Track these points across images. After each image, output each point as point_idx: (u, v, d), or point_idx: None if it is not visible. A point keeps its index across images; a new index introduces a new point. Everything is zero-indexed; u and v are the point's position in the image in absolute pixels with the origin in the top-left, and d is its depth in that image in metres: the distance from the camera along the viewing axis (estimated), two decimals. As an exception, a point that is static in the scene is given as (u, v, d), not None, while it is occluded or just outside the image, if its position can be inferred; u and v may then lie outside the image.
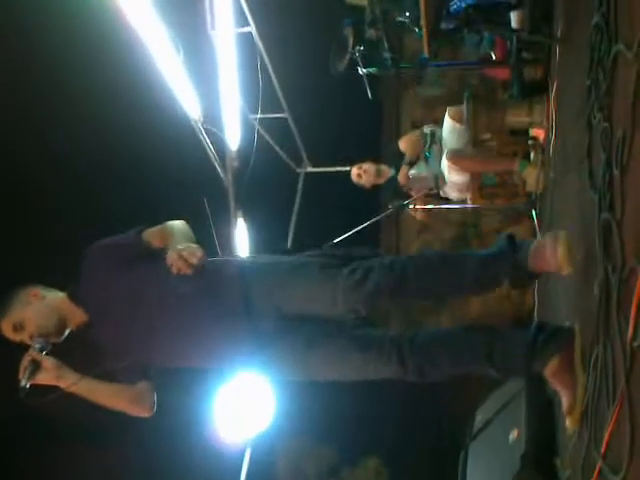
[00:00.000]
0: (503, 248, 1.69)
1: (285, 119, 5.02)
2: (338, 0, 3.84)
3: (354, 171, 4.27)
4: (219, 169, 3.98)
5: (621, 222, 1.30)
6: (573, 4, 2.36)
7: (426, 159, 3.97)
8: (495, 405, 2.71)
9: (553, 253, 1.58)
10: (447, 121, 3.86)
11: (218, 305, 1.83)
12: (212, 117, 3.63)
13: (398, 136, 4.77)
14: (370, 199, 4.81)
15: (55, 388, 1.84)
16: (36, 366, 1.80)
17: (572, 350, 1.60)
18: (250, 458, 4.82)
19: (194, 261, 1.75)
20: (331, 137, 6.01)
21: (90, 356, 1.93)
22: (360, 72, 3.57)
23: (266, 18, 4.02)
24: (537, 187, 3.54)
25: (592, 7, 1.68)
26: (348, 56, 3.51)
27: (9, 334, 1.91)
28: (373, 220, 3.80)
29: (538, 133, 3.52)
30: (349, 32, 3.50)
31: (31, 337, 1.88)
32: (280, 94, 4.76)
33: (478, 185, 3.90)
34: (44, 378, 1.82)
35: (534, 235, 4.04)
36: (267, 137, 4.88)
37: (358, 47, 3.47)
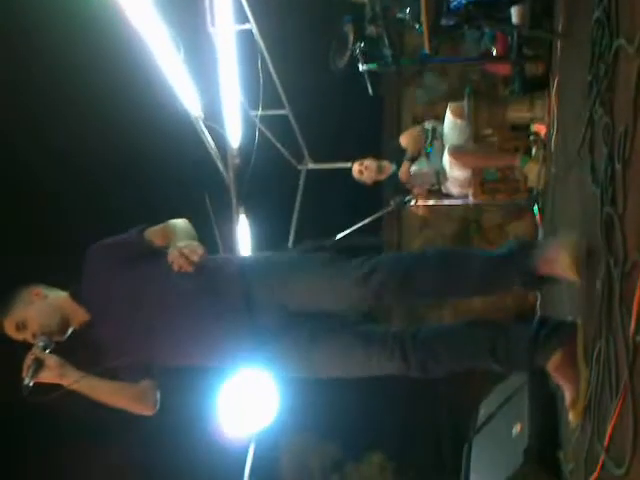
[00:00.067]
0: (513, 249, 1.67)
1: (286, 116, 5.02)
2: (338, -4, 3.84)
3: (355, 167, 4.27)
4: (220, 166, 3.98)
5: (623, 216, 1.31)
6: (574, -1, 2.36)
7: (427, 155, 3.97)
8: (498, 399, 2.71)
9: (562, 260, 1.55)
10: (448, 117, 3.86)
11: (219, 303, 1.83)
12: (213, 114, 3.63)
13: (399, 132, 4.77)
14: (371, 195, 4.81)
15: (58, 386, 1.84)
16: (39, 364, 1.81)
17: (575, 344, 1.61)
18: (254, 454, 4.83)
19: (195, 258, 1.75)
20: (332, 134, 6.01)
21: (92, 355, 1.94)
22: (361, 69, 3.57)
23: (266, 15, 4.02)
24: (538, 182, 3.54)
25: (593, 2, 1.68)
26: (348, 53, 3.50)
27: (12, 333, 1.92)
28: (375, 216, 3.79)
29: (539, 128, 3.52)
30: (349, 29, 3.50)
31: (34, 336, 1.89)
32: (281, 91, 4.76)
33: (479, 181, 3.90)
34: (47, 376, 1.83)
35: (536, 230, 4.05)
36: (268, 134, 4.88)
37: (358, 44, 3.47)
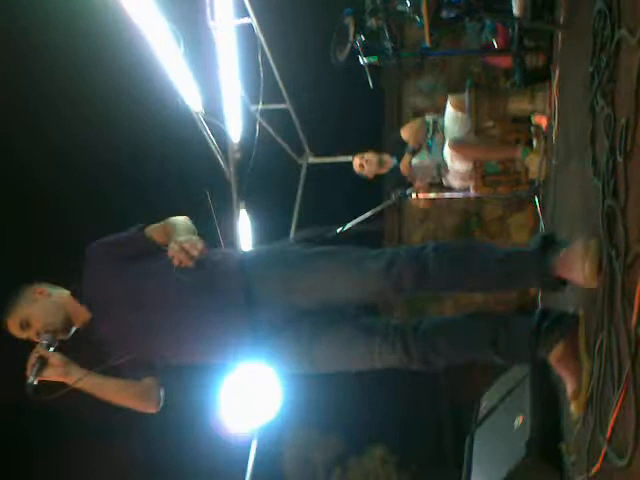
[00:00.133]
0: (533, 248, 1.65)
1: (286, 110, 5.02)
2: (338, -11, 3.82)
3: (356, 161, 4.26)
4: (221, 161, 3.97)
5: (625, 208, 1.31)
6: (575, -10, 2.35)
7: (429, 148, 3.96)
8: (500, 391, 2.72)
9: (581, 267, 1.50)
10: (449, 109, 3.85)
11: (219, 298, 1.83)
12: (213, 109, 3.62)
13: (400, 125, 4.76)
14: (372, 189, 4.81)
15: (62, 384, 1.85)
16: (43, 363, 1.82)
17: (577, 336, 1.61)
18: (257, 449, 4.84)
19: (195, 253, 1.75)
20: (333, 127, 6.00)
21: (95, 353, 1.94)
22: (361, 62, 3.56)
23: (266, 9, 4.00)
24: (540, 174, 3.53)
25: (594, -7, 1.67)
26: (349, 46, 3.49)
27: (16, 331, 1.92)
28: (376, 210, 3.79)
29: (541, 120, 3.51)
30: (350, 22, 3.48)
31: (37, 334, 1.89)
32: (281, 85, 4.75)
33: (481, 173, 3.89)
34: (51, 374, 1.83)
35: (537, 222, 4.04)
36: (269, 128, 4.88)
37: (359, 37, 3.46)
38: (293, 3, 5.11)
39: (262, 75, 3.70)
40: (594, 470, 1.37)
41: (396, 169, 4.14)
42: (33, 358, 1.82)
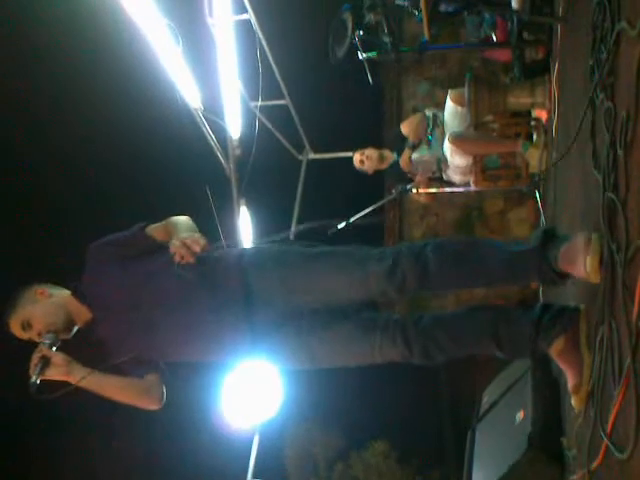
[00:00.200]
0: (534, 243, 1.63)
1: (286, 106, 5.01)
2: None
3: (356, 157, 4.25)
4: (221, 158, 3.97)
5: (625, 201, 1.30)
6: (574, -17, 2.34)
7: (429, 142, 3.95)
8: (501, 386, 2.72)
9: (583, 261, 1.48)
10: (449, 104, 3.84)
11: (218, 295, 1.83)
12: (213, 106, 3.62)
13: (400, 120, 4.75)
14: (373, 184, 4.80)
15: (65, 383, 1.85)
16: (46, 362, 1.82)
17: (578, 330, 1.61)
18: (259, 444, 4.85)
19: (197, 249, 1.75)
20: (332, 123, 6.00)
21: (97, 352, 1.95)
22: (360, 57, 3.55)
23: (264, 5, 3.99)
24: (540, 168, 3.53)
25: (593, -15, 1.66)
26: (348, 41, 3.48)
27: (18, 332, 1.93)
28: (376, 205, 3.79)
29: (540, 114, 3.50)
30: (348, 17, 3.47)
31: (39, 335, 1.89)
32: (280, 81, 4.74)
33: (481, 168, 3.89)
34: (54, 374, 1.84)
35: (538, 216, 4.04)
36: (268, 125, 4.87)
37: (357, 32, 3.45)
38: (291, -2, 5.10)
39: (261, 71, 3.69)
40: (595, 464, 1.37)
41: (396, 164, 4.13)
42: (35, 358, 1.82)
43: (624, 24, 1.37)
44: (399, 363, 1.80)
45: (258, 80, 3.72)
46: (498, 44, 3.87)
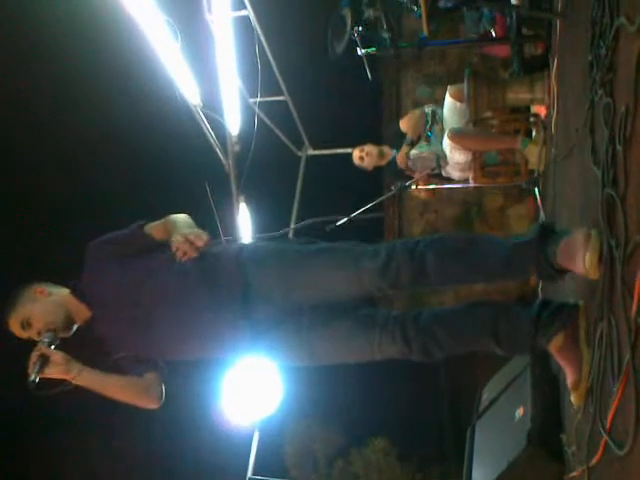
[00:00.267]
0: (532, 238, 1.62)
1: (285, 102, 5.00)
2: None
3: (356, 153, 4.25)
4: (220, 154, 3.97)
5: (625, 197, 1.30)
6: (573, -22, 2.33)
7: (428, 139, 3.94)
8: (501, 383, 2.72)
9: (582, 257, 1.46)
10: (448, 100, 3.83)
11: (217, 293, 1.83)
12: (211, 102, 3.61)
13: (399, 116, 4.74)
14: (372, 181, 4.80)
15: (64, 381, 1.86)
16: (45, 360, 1.82)
17: (577, 326, 1.61)
18: (259, 441, 4.86)
19: (200, 244, 1.76)
20: (332, 119, 5.99)
21: (97, 351, 1.95)
22: (359, 53, 3.54)
23: (263, 1, 3.98)
24: (539, 164, 3.52)
25: (593, -20, 1.65)
26: (347, 37, 3.47)
27: (17, 331, 1.93)
28: (376, 202, 3.78)
29: (540, 110, 3.49)
30: (347, 12, 3.46)
31: (39, 333, 1.90)
32: (279, 77, 4.73)
33: (480, 164, 3.88)
34: (53, 372, 1.84)
35: (537, 213, 4.03)
36: (267, 121, 4.87)
37: (356, 28, 3.44)
38: (290, -6, 5.09)
39: (260, 67, 3.68)
40: (594, 460, 1.37)
41: (395, 161, 4.13)
42: (35, 356, 1.83)
43: (623, 20, 1.36)
44: (399, 360, 1.80)
45: (257, 76, 3.71)
46: (497, 40, 3.86)
